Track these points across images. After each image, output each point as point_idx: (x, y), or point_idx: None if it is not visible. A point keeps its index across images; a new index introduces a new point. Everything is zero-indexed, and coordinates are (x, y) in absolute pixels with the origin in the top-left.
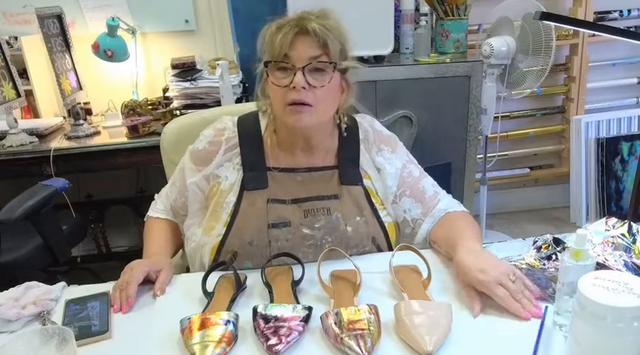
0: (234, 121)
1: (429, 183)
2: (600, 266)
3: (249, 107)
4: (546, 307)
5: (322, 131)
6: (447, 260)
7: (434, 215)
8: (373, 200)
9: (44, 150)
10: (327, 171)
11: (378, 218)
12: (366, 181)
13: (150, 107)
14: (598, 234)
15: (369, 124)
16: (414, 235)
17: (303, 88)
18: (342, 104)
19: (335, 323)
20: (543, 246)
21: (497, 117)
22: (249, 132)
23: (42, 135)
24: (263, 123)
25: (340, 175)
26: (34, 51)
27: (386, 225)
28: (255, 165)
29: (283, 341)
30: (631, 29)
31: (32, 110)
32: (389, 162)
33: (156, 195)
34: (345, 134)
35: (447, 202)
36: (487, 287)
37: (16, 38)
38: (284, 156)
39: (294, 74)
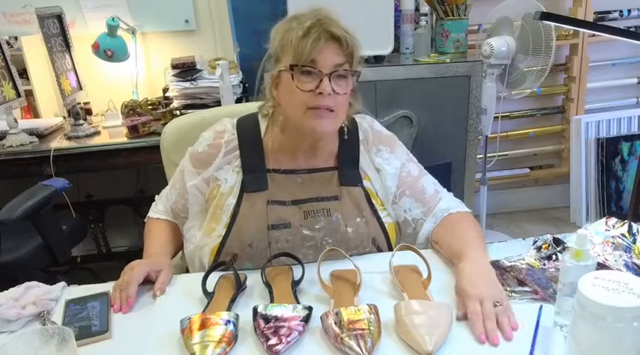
0: (234, 123)
1: (429, 182)
2: (600, 266)
3: (249, 107)
4: (540, 306)
5: (331, 135)
6: (448, 260)
7: (435, 214)
8: (373, 201)
9: (44, 150)
10: (326, 172)
11: (379, 219)
12: (365, 182)
13: (150, 107)
14: (598, 234)
15: (368, 125)
16: (416, 235)
17: (329, 94)
18: (348, 108)
19: (335, 323)
20: (543, 246)
21: (497, 117)
22: (248, 135)
23: (42, 135)
24: (263, 125)
25: (340, 176)
26: (34, 51)
27: (386, 225)
28: (255, 167)
29: (283, 341)
30: (631, 29)
31: (32, 110)
32: (388, 162)
33: (156, 197)
34: (346, 137)
35: (448, 201)
36: (466, 297)
37: (16, 38)
38: (285, 158)
39: (321, 80)
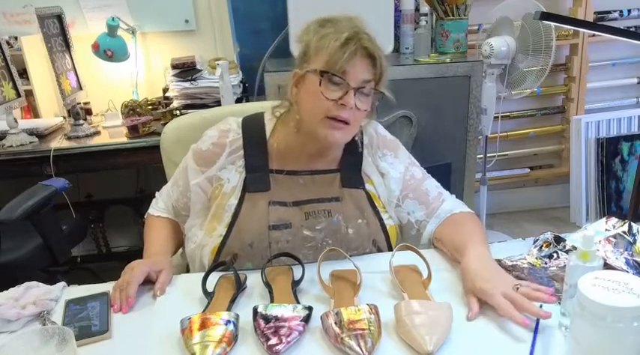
0: (239, 123)
1: (432, 185)
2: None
3: (249, 107)
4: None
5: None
6: (448, 259)
7: (439, 216)
8: (375, 203)
9: (44, 150)
10: (329, 174)
11: (380, 219)
12: (368, 186)
13: (150, 107)
14: (598, 234)
15: (373, 129)
16: (419, 237)
17: (351, 108)
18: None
19: (335, 323)
20: (544, 245)
21: (497, 117)
22: (253, 135)
23: (42, 135)
24: (269, 125)
25: (342, 178)
26: (34, 51)
27: (387, 227)
28: (258, 168)
29: (283, 341)
30: (631, 29)
31: (32, 110)
32: (392, 166)
33: (157, 193)
34: (360, 150)
35: (451, 203)
36: (489, 295)
37: (16, 38)
38: (289, 159)
39: (346, 92)
